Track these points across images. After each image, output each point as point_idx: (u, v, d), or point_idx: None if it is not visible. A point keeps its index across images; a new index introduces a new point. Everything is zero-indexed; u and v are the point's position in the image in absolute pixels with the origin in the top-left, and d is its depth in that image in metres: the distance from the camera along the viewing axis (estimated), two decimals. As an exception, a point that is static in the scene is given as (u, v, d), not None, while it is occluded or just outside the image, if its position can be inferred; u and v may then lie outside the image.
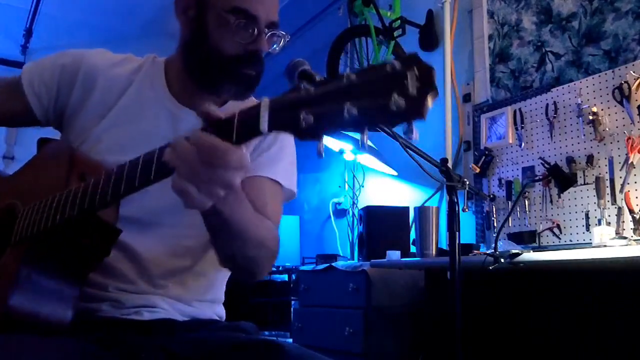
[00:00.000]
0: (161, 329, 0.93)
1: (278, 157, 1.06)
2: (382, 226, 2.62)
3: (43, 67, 1.05)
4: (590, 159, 2.10)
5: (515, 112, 2.42)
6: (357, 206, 3.35)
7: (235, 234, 0.84)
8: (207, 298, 1.05)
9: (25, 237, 0.83)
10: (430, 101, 0.55)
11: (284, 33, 1.01)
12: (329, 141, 2.95)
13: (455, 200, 1.36)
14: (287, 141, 1.10)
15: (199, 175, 0.65)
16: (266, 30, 0.98)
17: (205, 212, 0.75)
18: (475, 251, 2.00)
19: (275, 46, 1.02)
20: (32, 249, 0.81)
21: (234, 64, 0.97)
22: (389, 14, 3.05)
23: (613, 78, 2.06)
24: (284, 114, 0.60)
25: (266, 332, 3.14)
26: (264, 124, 0.61)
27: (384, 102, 0.55)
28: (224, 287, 1.11)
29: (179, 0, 1.01)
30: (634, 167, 1.95)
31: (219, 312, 1.08)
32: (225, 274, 1.09)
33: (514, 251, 1.62)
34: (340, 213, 3.60)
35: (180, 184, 0.66)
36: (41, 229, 0.81)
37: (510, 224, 2.35)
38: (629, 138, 1.97)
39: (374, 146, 2.81)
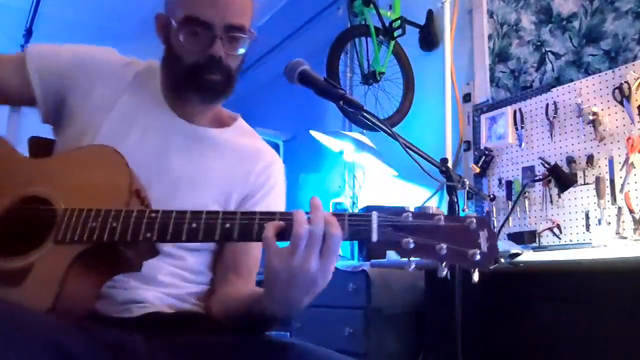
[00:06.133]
0: (150, 324, 0.92)
1: (274, 196, 1.13)
2: (382, 226, 2.61)
3: (56, 63, 1.06)
4: (590, 159, 2.10)
5: (515, 112, 2.42)
6: (357, 206, 3.35)
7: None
8: (194, 290, 1.04)
9: (78, 239, 0.81)
10: (495, 261, 0.76)
11: (247, 34, 1.02)
12: (329, 141, 2.95)
13: (455, 200, 1.35)
14: (278, 177, 1.15)
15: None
16: (224, 34, 0.99)
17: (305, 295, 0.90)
18: (475, 251, 2.00)
19: (241, 49, 1.03)
20: (84, 253, 0.81)
21: (194, 72, 1.01)
22: (389, 14, 3.05)
23: (613, 78, 2.06)
24: (390, 231, 0.77)
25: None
26: (374, 235, 0.77)
27: (467, 250, 0.75)
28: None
29: (156, 19, 1.07)
30: (634, 167, 1.94)
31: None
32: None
33: (514, 251, 1.62)
34: (340, 213, 3.59)
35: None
36: (99, 238, 0.81)
37: (510, 224, 2.35)
38: (629, 138, 1.97)
39: (374, 146, 2.81)
